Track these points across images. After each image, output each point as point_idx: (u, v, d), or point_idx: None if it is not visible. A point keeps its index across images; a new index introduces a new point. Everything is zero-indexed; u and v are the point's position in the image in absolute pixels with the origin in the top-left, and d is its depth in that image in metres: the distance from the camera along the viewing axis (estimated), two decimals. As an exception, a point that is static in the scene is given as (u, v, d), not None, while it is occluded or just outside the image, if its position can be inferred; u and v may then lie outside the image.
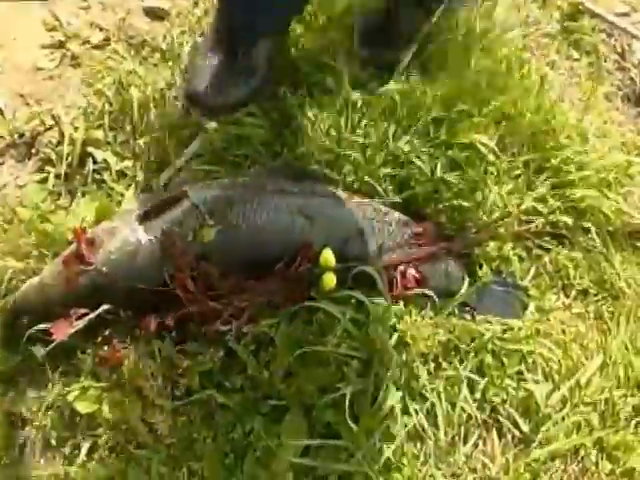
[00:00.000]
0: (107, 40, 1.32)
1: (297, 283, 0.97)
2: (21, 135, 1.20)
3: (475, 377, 1.00)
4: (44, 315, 0.93)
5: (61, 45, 1.31)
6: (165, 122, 1.18)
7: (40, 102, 1.25)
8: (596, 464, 1.01)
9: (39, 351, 0.94)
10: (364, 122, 1.15)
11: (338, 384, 0.92)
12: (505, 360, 1.03)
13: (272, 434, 0.92)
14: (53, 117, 1.20)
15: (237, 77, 1.17)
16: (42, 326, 0.92)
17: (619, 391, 1.04)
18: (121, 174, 1.15)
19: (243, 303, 0.94)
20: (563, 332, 1.09)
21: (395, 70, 1.22)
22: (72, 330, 0.91)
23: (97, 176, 1.15)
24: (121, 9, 1.37)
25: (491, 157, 1.15)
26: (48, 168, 1.17)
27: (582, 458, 1.01)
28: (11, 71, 1.28)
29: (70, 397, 0.94)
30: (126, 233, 0.96)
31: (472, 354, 1.01)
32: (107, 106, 1.21)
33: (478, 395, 1.00)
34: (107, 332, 0.94)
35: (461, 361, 1.01)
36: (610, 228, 1.19)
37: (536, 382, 1.03)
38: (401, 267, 1.03)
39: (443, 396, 0.97)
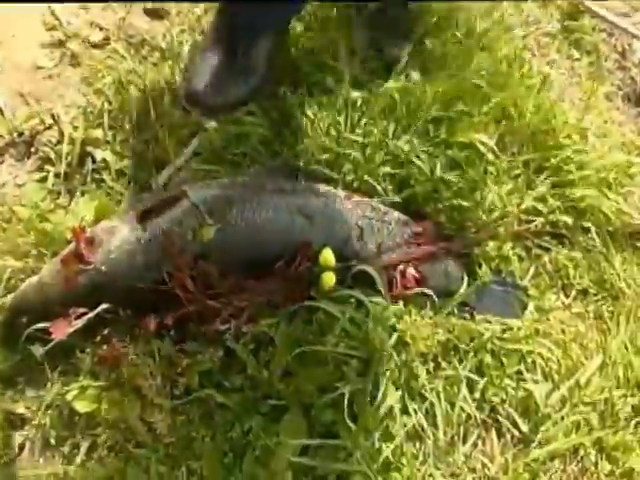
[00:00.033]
0: (107, 39, 1.32)
1: (297, 283, 0.97)
2: (20, 134, 1.20)
3: (474, 377, 1.00)
4: (43, 314, 0.92)
5: (61, 44, 1.31)
6: (164, 121, 1.17)
7: (39, 101, 1.25)
8: (595, 464, 1.01)
9: (38, 350, 0.93)
10: (364, 121, 1.15)
11: (337, 384, 0.92)
12: (504, 360, 1.03)
13: (271, 433, 0.92)
14: (52, 116, 1.20)
15: (237, 76, 1.17)
16: (41, 325, 0.92)
17: (618, 391, 1.04)
18: (120, 173, 1.15)
19: (242, 302, 0.94)
20: (563, 332, 1.09)
21: (394, 68, 1.22)
22: (71, 329, 0.91)
23: (96, 175, 1.15)
24: (121, 8, 1.36)
25: (491, 156, 1.15)
26: (47, 167, 1.17)
27: (581, 458, 1.01)
28: (11, 70, 1.28)
29: (69, 396, 0.94)
30: (125, 232, 0.96)
31: (471, 354, 1.01)
32: (107, 105, 1.20)
33: (477, 395, 1.01)
34: (106, 331, 0.94)
35: (460, 361, 1.01)
36: (610, 228, 1.19)
37: (535, 382, 1.03)
38: (400, 266, 1.03)
39: (442, 396, 0.97)
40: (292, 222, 0.99)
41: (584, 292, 1.16)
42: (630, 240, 1.21)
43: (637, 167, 1.24)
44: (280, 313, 0.97)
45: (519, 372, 1.03)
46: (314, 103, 1.17)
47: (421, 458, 0.96)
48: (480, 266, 1.11)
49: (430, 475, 0.95)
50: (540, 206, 1.16)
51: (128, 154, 1.17)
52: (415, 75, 1.20)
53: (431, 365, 1.00)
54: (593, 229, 1.18)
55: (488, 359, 1.02)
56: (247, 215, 0.98)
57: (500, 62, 1.26)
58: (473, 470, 0.98)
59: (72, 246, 0.97)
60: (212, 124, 1.18)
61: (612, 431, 1.02)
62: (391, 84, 1.17)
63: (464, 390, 0.99)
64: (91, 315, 0.91)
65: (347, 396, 0.90)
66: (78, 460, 0.94)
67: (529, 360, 1.04)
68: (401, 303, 1.01)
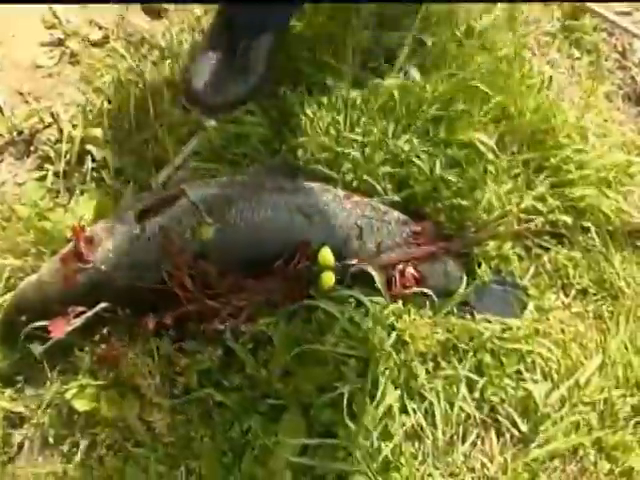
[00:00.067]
0: (106, 38, 1.32)
1: (296, 282, 0.97)
2: (20, 133, 1.20)
3: (474, 376, 1.00)
4: (42, 313, 0.92)
5: (60, 43, 1.31)
6: (164, 120, 1.17)
7: (39, 100, 1.25)
8: (595, 464, 1.01)
9: (37, 349, 0.93)
10: (363, 120, 1.15)
11: (336, 383, 0.92)
12: (504, 359, 1.02)
13: (270, 433, 0.92)
14: (52, 115, 1.20)
15: (236, 75, 1.17)
16: (40, 324, 0.91)
17: (618, 391, 1.04)
18: (119, 172, 1.15)
19: (241, 302, 0.94)
20: (562, 332, 1.09)
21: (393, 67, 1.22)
22: (70, 328, 0.91)
23: (96, 174, 1.15)
24: (120, 7, 1.36)
25: (490, 156, 1.14)
26: (47, 166, 1.17)
27: (581, 458, 1.01)
28: (10, 68, 1.28)
29: (68, 395, 0.94)
30: (124, 231, 0.96)
31: (471, 353, 1.01)
32: (106, 104, 1.20)
33: (477, 394, 1.00)
34: (105, 330, 0.94)
35: (460, 360, 1.01)
36: (610, 227, 1.19)
37: (535, 382, 1.02)
38: (400, 266, 1.03)
39: (441, 395, 0.97)
40: (291, 221, 0.99)
41: (584, 292, 1.15)
42: (630, 239, 1.20)
43: (637, 166, 1.24)
44: (279, 312, 0.97)
45: (518, 372, 1.03)
46: (313, 102, 1.17)
47: (420, 458, 0.96)
48: (480, 265, 1.10)
49: (429, 475, 0.95)
50: (540, 205, 1.16)
51: (127, 153, 1.17)
52: (415, 74, 1.20)
53: (430, 364, 1.00)
54: (593, 228, 1.17)
55: (487, 359, 1.01)
56: (246, 214, 0.98)
57: (500, 61, 1.26)
58: (472, 470, 0.98)
59: (71, 245, 0.97)
60: (211, 123, 1.17)
61: (611, 431, 1.01)
62: (391, 83, 1.17)
63: (463, 390, 0.99)
64: (90, 314, 0.91)
65: (346, 395, 0.90)
66: (77, 459, 0.94)
67: (529, 360, 1.04)
68: (400, 302, 1.01)
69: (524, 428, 1.00)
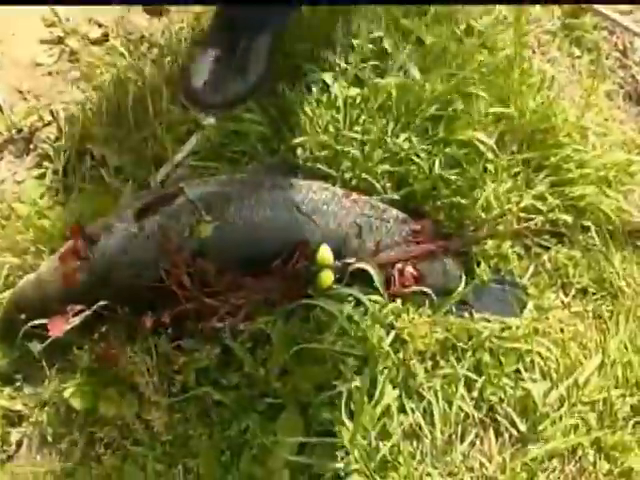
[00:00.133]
0: (106, 36, 1.32)
1: (294, 280, 0.97)
2: (19, 131, 1.20)
3: (472, 376, 1.00)
4: (41, 311, 0.92)
5: (60, 41, 1.31)
6: (163, 118, 1.17)
7: (38, 98, 1.25)
8: (594, 464, 1.00)
9: (36, 347, 0.94)
10: (362, 118, 1.15)
11: (334, 382, 0.92)
12: (503, 359, 1.02)
13: (268, 432, 0.92)
14: (51, 113, 1.20)
15: (235, 73, 1.17)
16: (39, 322, 0.91)
17: (617, 391, 1.04)
18: (118, 170, 1.15)
19: (240, 300, 0.94)
20: (562, 331, 1.09)
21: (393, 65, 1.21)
22: (69, 326, 0.91)
23: (95, 172, 1.14)
24: (122, 7, 1.36)
25: (490, 155, 1.14)
26: (46, 164, 1.17)
27: (580, 458, 1.00)
28: (10, 66, 1.28)
29: (67, 393, 0.94)
30: (123, 229, 0.96)
31: (470, 352, 1.01)
32: (105, 102, 1.20)
33: (475, 394, 1.00)
34: (104, 329, 0.94)
35: (458, 359, 1.01)
36: (610, 226, 1.18)
37: (534, 381, 1.02)
38: (399, 265, 1.03)
39: (440, 394, 0.97)
40: (290, 220, 0.99)
41: (583, 291, 1.15)
42: (630, 239, 1.20)
43: (637, 165, 1.23)
44: (277, 311, 0.97)
45: (517, 371, 1.03)
46: (313, 100, 1.17)
47: (418, 457, 0.95)
48: (479, 264, 1.10)
49: (427, 474, 0.95)
50: (539, 204, 1.16)
51: (126, 151, 1.16)
52: (414, 72, 1.20)
53: (429, 364, 1.00)
54: (593, 227, 1.17)
55: (486, 358, 1.01)
56: (245, 212, 0.97)
57: (500, 60, 1.25)
58: (471, 469, 0.98)
59: (70, 243, 0.97)
60: (211, 121, 1.17)
61: (611, 431, 1.01)
62: (390, 81, 1.17)
63: (462, 389, 0.98)
64: (89, 312, 0.91)
65: (344, 394, 0.90)
66: (75, 457, 0.94)
67: (528, 359, 1.03)
68: (399, 301, 1.01)
69: (523, 428, 1.00)
